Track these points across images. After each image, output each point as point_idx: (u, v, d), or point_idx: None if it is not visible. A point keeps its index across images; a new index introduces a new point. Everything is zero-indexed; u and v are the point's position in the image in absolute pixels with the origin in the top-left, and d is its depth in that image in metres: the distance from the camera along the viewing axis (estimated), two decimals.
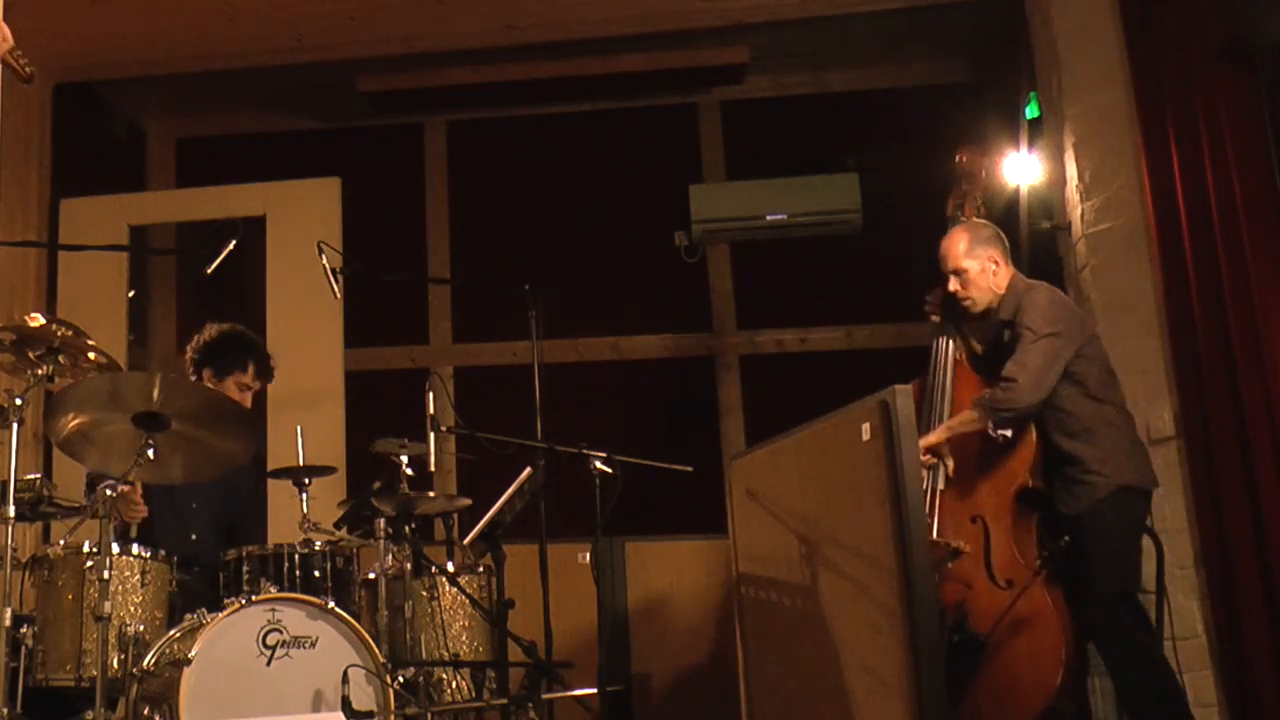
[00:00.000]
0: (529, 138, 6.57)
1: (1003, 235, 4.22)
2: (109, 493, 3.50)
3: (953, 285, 4.17)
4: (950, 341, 4.32)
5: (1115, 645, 3.84)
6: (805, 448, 3.86)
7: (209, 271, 3.78)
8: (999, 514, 3.99)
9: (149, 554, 3.71)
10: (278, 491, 4.93)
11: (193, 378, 4.41)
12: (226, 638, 3.48)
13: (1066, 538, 3.88)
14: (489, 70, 6.14)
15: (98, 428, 3.66)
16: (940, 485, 4.06)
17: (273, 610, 3.55)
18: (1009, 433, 3.94)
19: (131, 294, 6.00)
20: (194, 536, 4.28)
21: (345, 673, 3.33)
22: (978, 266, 4.13)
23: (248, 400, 4.47)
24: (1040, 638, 3.84)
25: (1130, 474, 3.92)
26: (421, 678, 3.66)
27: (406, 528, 3.87)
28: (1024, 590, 3.81)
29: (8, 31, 3.25)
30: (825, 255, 6.27)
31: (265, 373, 4.56)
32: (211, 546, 4.18)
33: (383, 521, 3.82)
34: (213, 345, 4.47)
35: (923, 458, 3.98)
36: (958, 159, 4.66)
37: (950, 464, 4.05)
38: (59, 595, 3.59)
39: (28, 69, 3.43)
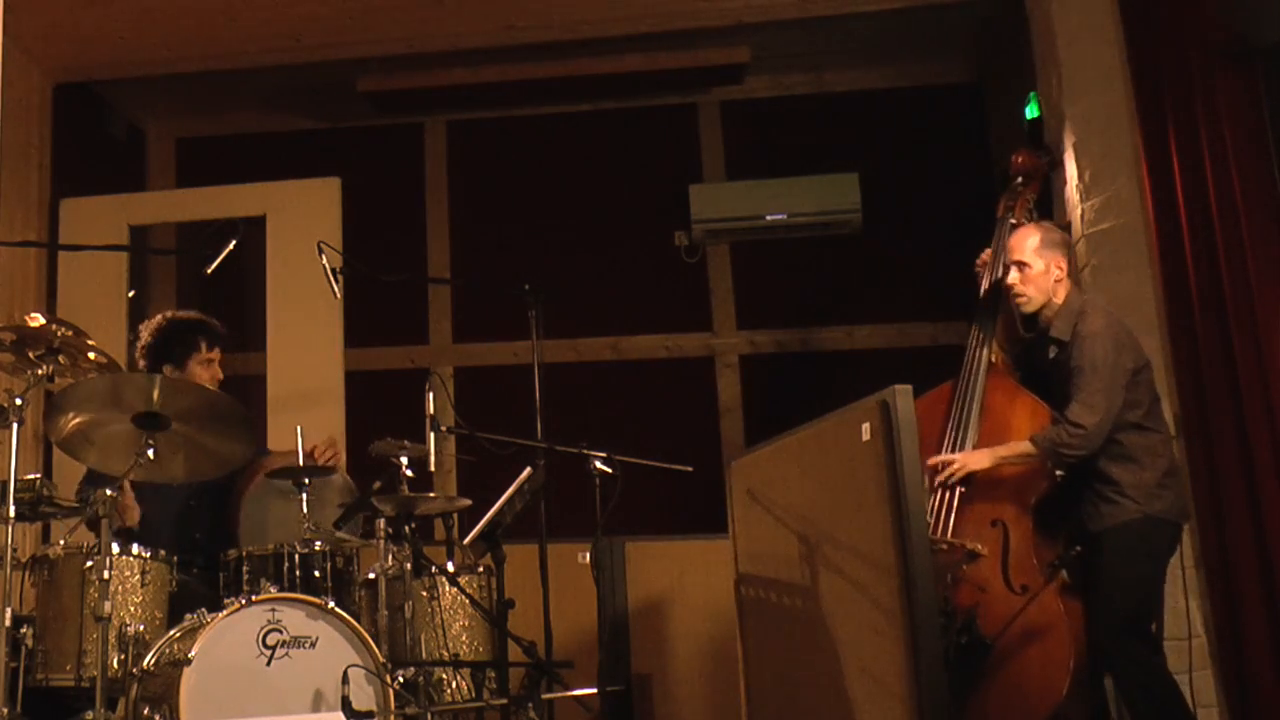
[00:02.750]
0: (529, 138, 6.57)
1: (1073, 247, 4.16)
2: (109, 493, 3.50)
3: (1012, 277, 4.13)
4: (984, 347, 4.29)
5: (1125, 668, 3.85)
6: (805, 448, 3.85)
7: (209, 271, 3.79)
8: (1020, 519, 3.98)
9: (149, 554, 3.70)
10: None
11: (168, 370, 4.37)
12: (226, 638, 3.48)
13: (1079, 547, 3.87)
14: (489, 70, 6.14)
15: (98, 428, 3.66)
16: (962, 487, 4.05)
17: (273, 610, 3.55)
18: (1061, 473, 3.94)
19: (131, 294, 5.99)
20: (196, 535, 4.27)
21: (345, 673, 3.33)
22: (1042, 265, 4.09)
23: (218, 374, 4.40)
24: (1050, 646, 3.83)
25: (1161, 505, 3.92)
26: (421, 678, 3.66)
27: (406, 528, 3.87)
28: (1034, 596, 3.80)
29: None
30: (825, 255, 6.27)
31: (218, 340, 4.44)
32: (209, 546, 4.18)
33: (383, 521, 3.82)
34: (158, 341, 4.40)
35: (957, 473, 3.99)
36: (1014, 159, 4.64)
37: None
38: (59, 595, 3.59)
39: None
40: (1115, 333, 4.00)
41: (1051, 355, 4.09)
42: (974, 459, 4.01)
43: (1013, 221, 4.47)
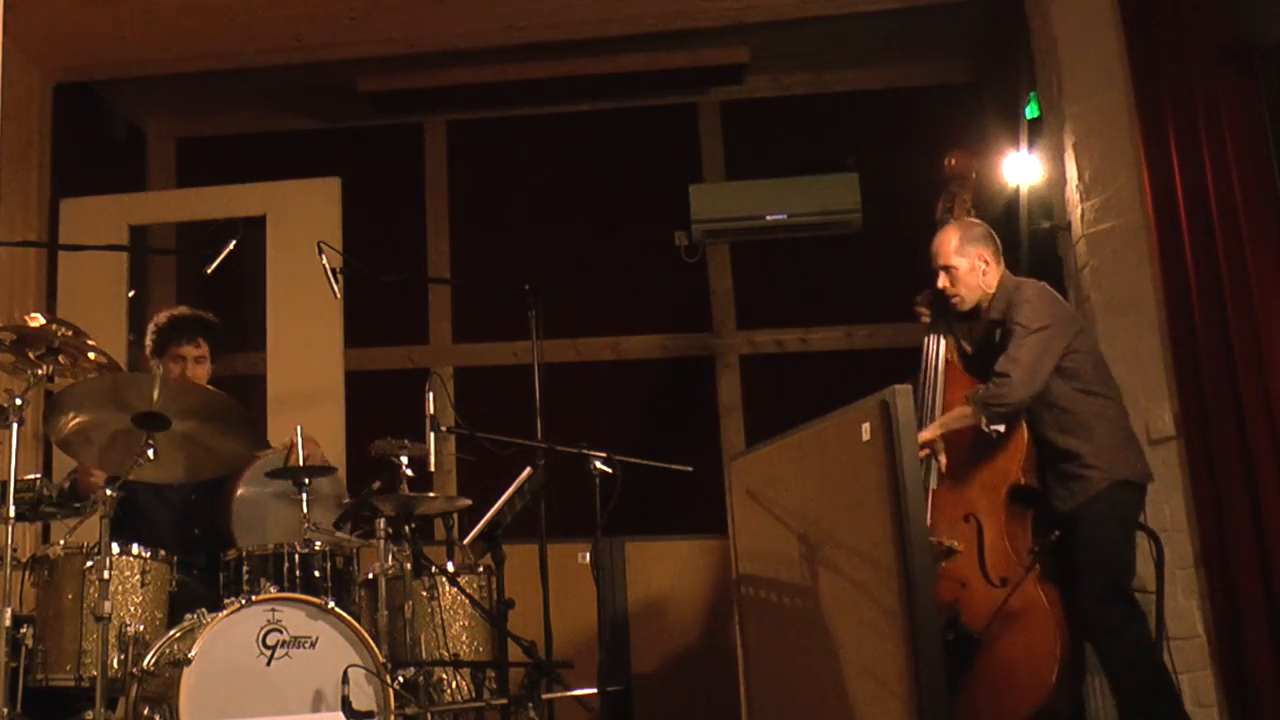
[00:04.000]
0: (529, 138, 6.57)
1: (995, 235, 4.23)
2: (109, 493, 3.50)
3: (941, 281, 4.19)
4: (941, 342, 4.33)
5: (1108, 638, 3.85)
6: (805, 448, 3.86)
7: (209, 271, 3.79)
8: (992, 512, 3.99)
9: (149, 554, 3.71)
10: None
11: (153, 364, 4.41)
12: (226, 638, 3.48)
13: (1057, 532, 3.89)
14: (489, 70, 6.14)
15: (98, 428, 3.66)
16: (933, 484, 4.07)
17: (273, 610, 3.54)
18: (1001, 428, 3.95)
19: (131, 294, 5.99)
20: (195, 532, 4.27)
21: (345, 673, 3.33)
22: (967, 264, 4.15)
23: (193, 370, 4.36)
24: (1035, 635, 3.84)
25: (1125, 468, 3.94)
26: (421, 678, 3.66)
27: (406, 528, 3.87)
28: (1016, 586, 3.81)
29: None
30: (825, 255, 6.27)
31: (190, 335, 4.39)
32: (208, 545, 4.17)
33: (383, 521, 3.82)
34: (151, 338, 4.45)
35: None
36: (947, 162, 4.67)
37: (943, 460, 4.05)
38: (59, 595, 3.59)
39: None
40: (1045, 301, 4.06)
41: (997, 338, 4.12)
42: (919, 435, 4.01)
43: (951, 221, 4.49)
